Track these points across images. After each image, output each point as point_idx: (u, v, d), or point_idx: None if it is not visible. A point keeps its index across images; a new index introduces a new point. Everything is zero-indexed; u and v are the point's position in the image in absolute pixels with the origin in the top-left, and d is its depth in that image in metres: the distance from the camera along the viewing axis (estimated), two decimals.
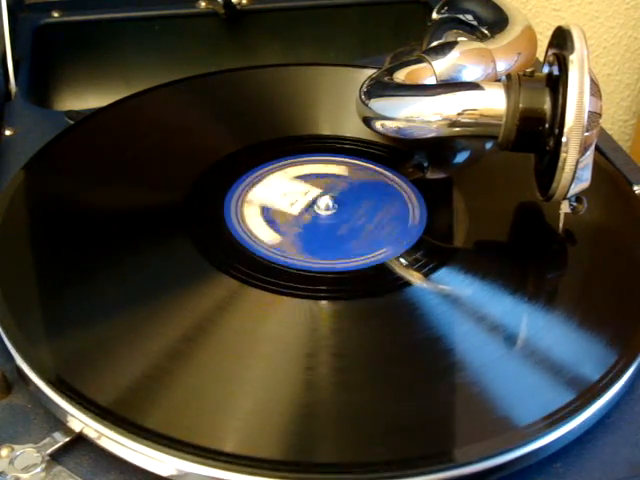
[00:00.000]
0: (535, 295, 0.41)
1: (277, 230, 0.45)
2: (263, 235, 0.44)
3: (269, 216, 0.46)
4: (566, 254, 0.45)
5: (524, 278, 0.43)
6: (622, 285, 0.43)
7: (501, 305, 0.41)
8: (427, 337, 0.39)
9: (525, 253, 0.45)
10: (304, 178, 0.49)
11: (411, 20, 0.73)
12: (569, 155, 0.41)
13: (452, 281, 0.42)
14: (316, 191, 0.47)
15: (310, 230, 0.45)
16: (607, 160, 0.52)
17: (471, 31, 0.51)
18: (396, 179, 0.49)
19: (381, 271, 0.42)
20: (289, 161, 0.50)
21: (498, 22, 0.51)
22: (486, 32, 0.51)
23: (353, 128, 0.51)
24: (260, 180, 0.48)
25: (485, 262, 0.43)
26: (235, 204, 0.46)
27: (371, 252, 0.43)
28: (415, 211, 0.46)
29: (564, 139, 0.41)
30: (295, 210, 0.46)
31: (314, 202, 0.46)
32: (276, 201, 0.47)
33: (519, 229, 0.47)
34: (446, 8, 0.54)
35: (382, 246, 0.44)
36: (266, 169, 0.49)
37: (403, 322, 0.40)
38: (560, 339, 0.39)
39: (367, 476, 0.33)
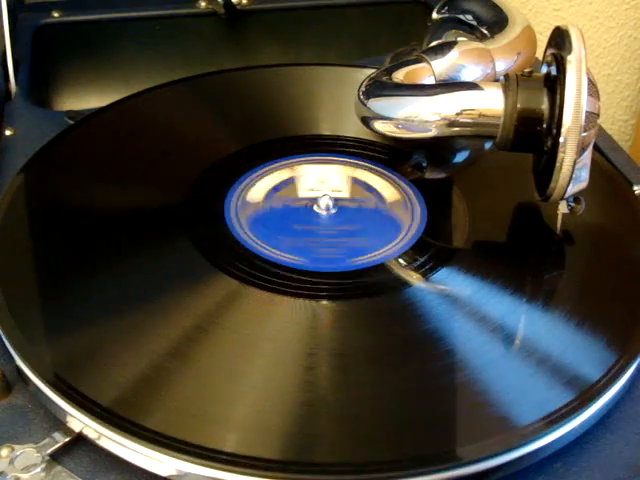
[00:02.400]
0: (535, 295, 0.42)
1: (268, 196, 0.46)
2: (256, 191, 0.47)
3: (284, 184, 0.47)
4: (566, 254, 0.45)
5: (524, 278, 0.43)
6: (622, 285, 0.43)
7: (501, 305, 0.41)
8: (427, 337, 0.39)
9: (525, 253, 0.45)
10: (355, 182, 0.49)
11: (411, 20, 0.73)
12: (567, 155, 0.41)
13: (452, 281, 0.42)
14: (344, 195, 0.48)
15: (283, 211, 0.46)
16: (607, 160, 0.52)
17: (471, 31, 0.51)
18: (396, 179, 0.49)
19: (381, 271, 0.42)
20: (289, 161, 0.50)
21: (498, 22, 0.51)
22: (486, 32, 0.51)
23: (353, 128, 0.51)
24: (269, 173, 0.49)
25: (485, 262, 0.43)
26: (235, 204, 0.46)
27: (280, 250, 0.43)
28: (415, 211, 0.46)
29: (562, 139, 0.41)
30: (302, 194, 0.47)
31: (321, 199, 0.46)
32: (307, 180, 0.48)
33: (520, 229, 0.47)
34: (446, 8, 0.54)
35: (294, 254, 0.43)
36: (266, 169, 0.49)
37: (403, 322, 0.40)
38: (560, 339, 0.39)
39: (367, 476, 0.33)
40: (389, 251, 0.44)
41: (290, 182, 0.48)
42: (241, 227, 0.45)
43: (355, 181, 0.49)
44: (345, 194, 0.48)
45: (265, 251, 0.43)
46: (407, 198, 0.48)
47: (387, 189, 0.48)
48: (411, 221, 0.46)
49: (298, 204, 0.47)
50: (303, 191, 0.47)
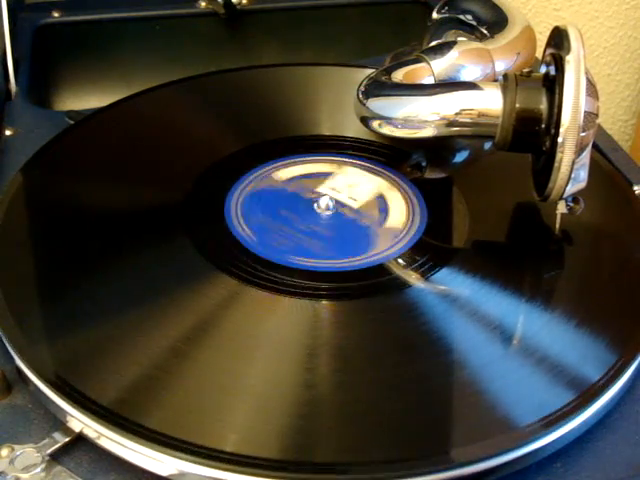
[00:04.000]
0: (535, 295, 0.41)
1: (293, 179, 0.48)
2: (286, 172, 0.49)
3: (318, 175, 0.49)
4: (566, 254, 0.45)
5: (524, 278, 0.43)
6: (622, 285, 0.43)
7: (501, 305, 0.41)
8: (427, 337, 0.39)
9: (525, 253, 0.45)
10: (379, 198, 0.48)
11: (411, 20, 0.73)
12: (565, 155, 0.41)
13: (452, 281, 0.42)
14: (356, 204, 0.47)
15: (288, 195, 0.47)
16: (607, 160, 0.52)
17: (471, 31, 0.51)
18: (397, 179, 0.49)
19: (381, 271, 0.42)
20: (289, 161, 0.50)
21: (497, 22, 0.51)
22: (485, 32, 0.51)
23: (353, 128, 0.51)
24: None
25: (485, 262, 0.43)
26: (235, 204, 0.46)
27: (245, 223, 0.44)
28: (415, 211, 0.46)
29: (560, 139, 0.41)
30: (321, 189, 0.48)
31: (321, 199, 0.46)
32: (339, 180, 0.48)
33: (520, 229, 0.47)
34: (446, 8, 0.54)
35: (252, 230, 0.44)
36: (266, 169, 0.49)
37: (403, 322, 0.40)
38: (560, 339, 0.39)
39: (367, 476, 0.33)
40: (389, 251, 0.44)
41: (324, 176, 0.49)
42: (241, 227, 0.45)
43: (378, 198, 0.48)
44: (355, 204, 0.47)
45: (259, 248, 0.43)
46: (410, 206, 0.47)
47: (399, 215, 0.47)
48: (410, 222, 0.46)
49: (308, 195, 0.47)
50: (324, 187, 0.47)
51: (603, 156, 0.52)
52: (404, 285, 0.41)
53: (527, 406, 0.36)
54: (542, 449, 0.34)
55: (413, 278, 0.42)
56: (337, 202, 0.47)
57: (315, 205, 0.46)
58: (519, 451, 0.34)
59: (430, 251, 0.44)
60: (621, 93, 0.95)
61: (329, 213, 0.46)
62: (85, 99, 0.69)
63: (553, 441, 0.35)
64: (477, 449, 0.34)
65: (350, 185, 0.48)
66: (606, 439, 0.36)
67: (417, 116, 0.44)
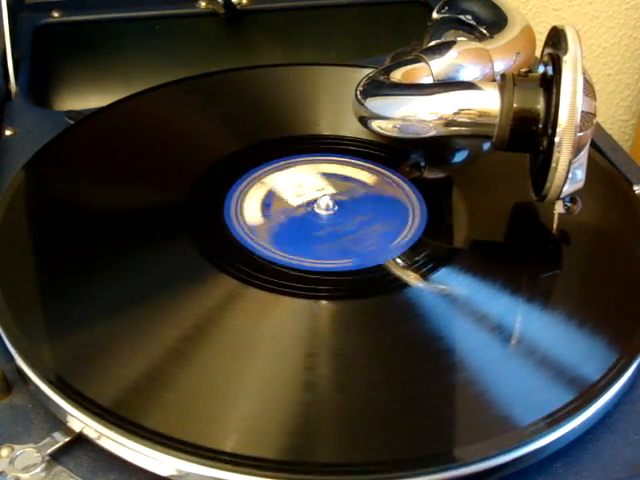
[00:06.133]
0: (535, 295, 0.42)
1: (266, 214, 0.46)
2: (250, 214, 0.45)
3: (269, 199, 0.46)
4: (567, 254, 0.45)
5: (524, 278, 0.43)
6: (622, 285, 0.43)
7: (501, 305, 0.41)
8: (427, 337, 0.39)
9: (526, 253, 0.45)
10: (329, 176, 0.49)
11: (411, 20, 0.73)
12: (562, 155, 0.41)
13: (452, 281, 0.42)
14: (330, 190, 0.47)
15: (292, 223, 0.45)
16: (607, 160, 0.52)
17: (470, 31, 0.51)
18: (396, 179, 0.49)
19: (381, 271, 0.42)
20: (289, 161, 0.50)
21: (497, 22, 0.51)
22: (485, 32, 0.51)
23: (353, 128, 0.51)
24: (266, 175, 0.49)
25: (485, 262, 0.43)
26: (235, 204, 0.46)
27: (330, 259, 0.43)
28: (415, 211, 0.46)
29: (557, 139, 0.41)
30: (295, 202, 0.47)
31: (317, 200, 0.46)
32: (287, 188, 0.47)
33: (521, 229, 0.47)
34: (446, 8, 0.54)
35: (346, 257, 0.43)
36: (266, 169, 0.49)
37: (403, 322, 0.40)
38: (560, 339, 0.39)
39: (367, 476, 0.33)
40: (389, 251, 0.44)
41: (274, 193, 0.47)
42: (241, 227, 0.45)
43: (329, 176, 0.49)
44: (334, 190, 0.47)
45: (278, 256, 0.43)
46: (382, 176, 0.48)
47: (360, 174, 0.48)
48: (411, 221, 0.46)
49: (298, 212, 0.46)
50: (294, 198, 0.47)
51: (603, 156, 0.52)
52: (404, 285, 0.42)
53: (527, 406, 0.36)
54: (542, 449, 0.34)
55: (413, 278, 0.42)
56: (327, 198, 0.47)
57: (317, 210, 0.46)
58: (520, 451, 0.34)
59: (430, 251, 0.44)
60: (621, 93, 0.95)
61: (336, 209, 0.46)
62: (85, 99, 0.69)
63: (553, 441, 0.35)
64: (477, 449, 0.34)
65: (299, 184, 0.48)
66: (606, 439, 0.36)
67: (415, 116, 0.44)
